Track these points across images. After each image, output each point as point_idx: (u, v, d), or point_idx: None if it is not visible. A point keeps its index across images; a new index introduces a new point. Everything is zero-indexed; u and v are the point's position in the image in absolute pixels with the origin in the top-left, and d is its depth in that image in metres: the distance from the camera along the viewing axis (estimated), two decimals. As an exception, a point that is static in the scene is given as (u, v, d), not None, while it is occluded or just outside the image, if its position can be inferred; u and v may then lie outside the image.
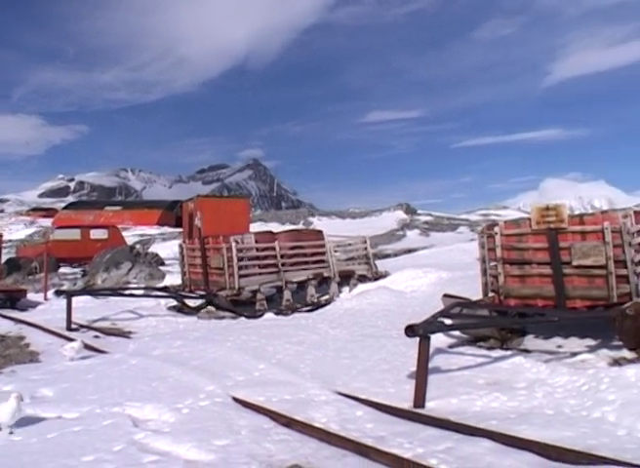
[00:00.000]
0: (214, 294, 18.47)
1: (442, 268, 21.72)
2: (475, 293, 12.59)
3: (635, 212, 11.35)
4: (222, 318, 17.18)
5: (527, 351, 10.97)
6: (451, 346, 11.47)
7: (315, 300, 19.78)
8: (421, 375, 8.21)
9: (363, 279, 22.07)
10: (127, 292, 20.83)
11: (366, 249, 23.29)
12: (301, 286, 20.28)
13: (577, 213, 12.35)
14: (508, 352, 10.73)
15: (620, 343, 10.42)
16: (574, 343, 11.23)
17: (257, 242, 19.53)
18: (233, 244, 18.21)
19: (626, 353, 10.16)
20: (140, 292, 20.68)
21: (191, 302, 19.48)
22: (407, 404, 8.03)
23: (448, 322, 10.35)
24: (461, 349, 11.21)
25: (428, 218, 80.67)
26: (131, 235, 60.08)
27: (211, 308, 18.15)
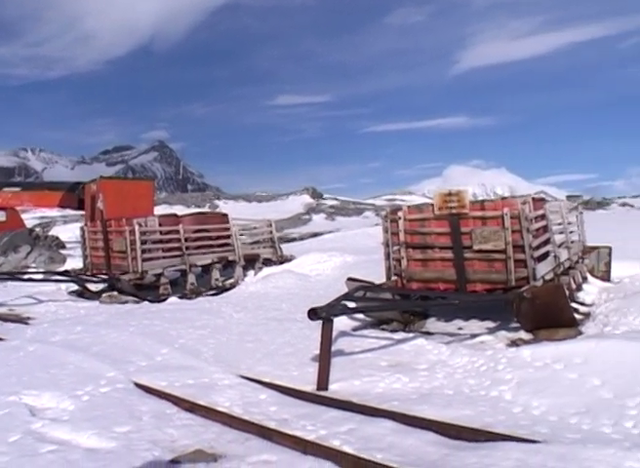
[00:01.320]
0: (116, 278, 18.13)
1: (347, 252, 21.93)
2: (379, 277, 12.75)
3: (534, 199, 11.74)
4: (125, 302, 16.83)
5: (429, 333, 11.20)
6: (355, 329, 11.58)
7: (220, 284, 19.67)
8: (325, 358, 8.27)
9: (268, 262, 22.11)
10: (25, 276, 20.20)
11: (271, 232, 23.30)
12: (206, 269, 20.16)
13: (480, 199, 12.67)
14: (411, 334, 10.92)
15: (518, 325, 10.77)
16: (474, 325, 11.55)
17: (160, 225, 19.25)
18: (136, 227, 17.89)
19: (523, 334, 10.51)
20: (40, 276, 20.14)
21: (93, 287, 19.03)
22: (310, 386, 8.07)
23: (351, 305, 10.44)
24: (365, 332, 11.33)
25: (335, 203, 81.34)
26: (30, 217, 58.02)
27: (113, 292, 17.76)
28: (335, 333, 10.00)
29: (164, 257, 18.78)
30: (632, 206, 38.16)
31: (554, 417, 6.82)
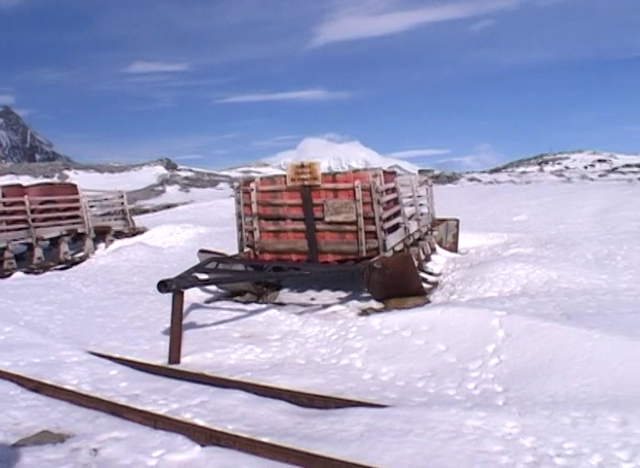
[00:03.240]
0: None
1: (201, 224, 21.79)
2: (233, 249, 12.74)
3: (385, 172, 12.03)
4: (-36, 279, 15.95)
5: (282, 304, 11.34)
6: (208, 301, 11.54)
7: (69, 258, 19.02)
8: (176, 331, 8.18)
9: (120, 235, 21.57)
10: None
11: (123, 204, 22.71)
12: (54, 242, 19.36)
13: (334, 172, 12.79)
14: (264, 305, 11.00)
15: (369, 295, 11.08)
16: (326, 296, 11.79)
17: (4, 196, 18.28)
18: (-24, 198, 16.93)
19: (374, 304, 10.85)
20: None
21: None
22: (162, 360, 8.00)
23: (203, 277, 10.36)
24: (218, 304, 11.31)
25: (189, 174, 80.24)
26: None
27: (-49, 268, 16.80)
28: (187, 306, 9.95)
29: (8, 230, 17.88)
30: (480, 180, 39.99)
31: (402, 382, 7.12)
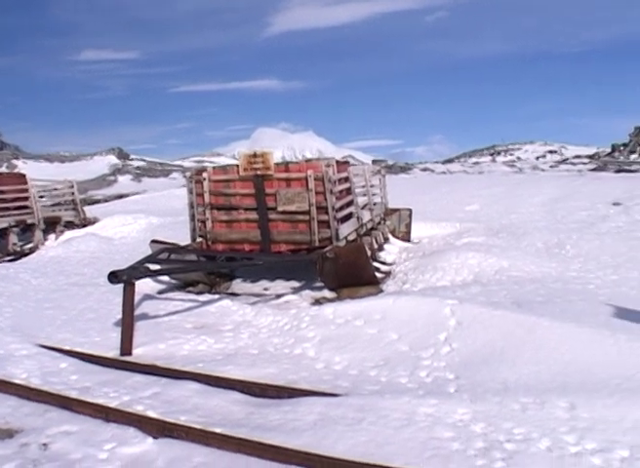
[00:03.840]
0: None
1: (153, 214, 21.58)
2: (186, 239, 12.64)
3: (337, 162, 12.05)
4: None
5: (235, 294, 11.32)
6: (160, 292, 11.44)
7: (18, 249, 18.67)
8: (128, 322, 8.10)
9: (70, 226, 21.20)
10: None
11: (73, 194, 22.33)
12: (2, 234, 18.97)
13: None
14: (216, 296, 10.97)
15: (322, 284, 11.10)
16: (279, 285, 11.79)
17: (-52, 187, 17.90)
18: None
19: (327, 293, 10.89)
20: None
21: None
22: (114, 352, 7.92)
23: (155, 267, 10.27)
24: (171, 295, 11.23)
25: (142, 164, 79.38)
26: None
27: None
28: (139, 297, 9.87)
29: (-47, 222, 17.52)
30: (433, 171, 40.30)
31: (355, 371, 7.17)
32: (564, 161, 47.41)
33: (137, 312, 8.96)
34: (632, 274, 11.32)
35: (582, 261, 12.49)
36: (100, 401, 6.03)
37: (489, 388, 6.21)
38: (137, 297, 9.00)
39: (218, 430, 5.22)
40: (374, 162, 51.58)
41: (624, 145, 48.37)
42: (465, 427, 5.23)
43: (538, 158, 65.95)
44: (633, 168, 33.87)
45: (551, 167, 39.92)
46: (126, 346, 7.91)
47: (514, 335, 7.32)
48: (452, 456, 4.77)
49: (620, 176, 28.83)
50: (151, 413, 5.73)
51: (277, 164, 11.42)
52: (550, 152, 77.57)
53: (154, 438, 5.14)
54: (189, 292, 11.51)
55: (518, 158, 67.14)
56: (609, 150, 51.49)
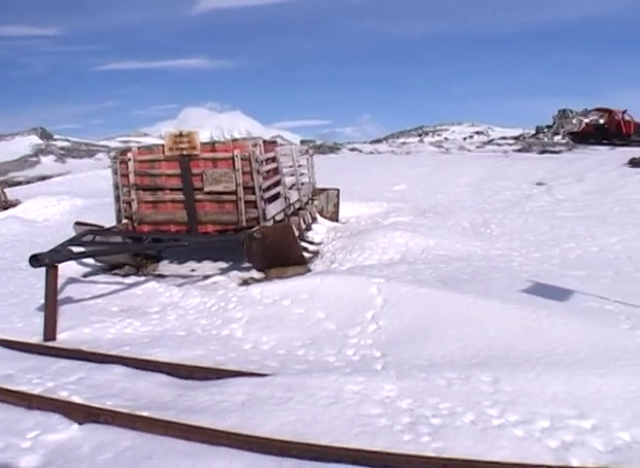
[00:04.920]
0: None
1: (78, 196, 21.14)
2: (111, 221, 12.40)
3: (265, 141, 11.98)
4: None
5: (162, 276, 11.20)
6: (85, 275, 11.21)
7: None
8: (51, 307, 7.90)
9: (-10, 208, 20.64)
10: None
11: (-7, 176, 21.74)
12: None
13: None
14: (143, 278, 10.83)
15: (250, 265, 11.07)
16: (207, 267, 11.71)
17: None
18: None
19: (255, 273, 10.87)
20: None
21: None
22: (37, 337, 7.71)
23: (79, 250, 10.05)
24: (96, 278, 11.02)
25: (66, 144, 77.53)
26: None
27: None
28: (63, 281, 9.67)
29: None
30: (361, 151, 40.46)
31: (283, 351, 7.19)
32: (490, 142, 48.24)
33: (61, 296, 8.77)
34: (554, 252, 11.64)
35: (507, 240, 12.78)
36: (23, 388, 5.89)
37: (415, 365, 6.31)
38: (60, 281, 8.78)
39: (144, 413, 5.18)
40: (302, 142, 51.52)
41: (548, 127, 49.54)
42: (392, 403, 5.31)
43: (465, 139, 66.88)
44: (556, 149, 34.69)
45: (478, 147, 40.53)
46: (50, 331, 7.73)
47: (440, 313, 7.44)
48: (379, 432, 4.85)
49: (544, 157, 29.50)
50: (76, 399, 5.64)
51: (203, 143, 11.27)
52: (477, 133, 78.85)
53: (79, 424, 5.06)
54: (115, 274, 11.31)
55: (445, 139, 67.99)
56: (533, 132, 52.65)
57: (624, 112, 42.90)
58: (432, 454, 4.51)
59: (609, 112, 43.44)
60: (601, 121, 43.77)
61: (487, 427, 4.88)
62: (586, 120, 44.85)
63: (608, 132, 42.13)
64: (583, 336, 6.48)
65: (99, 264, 11.84)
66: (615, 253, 11.32)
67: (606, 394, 5.25)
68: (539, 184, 20.59)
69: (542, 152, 33.08)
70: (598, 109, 45.22)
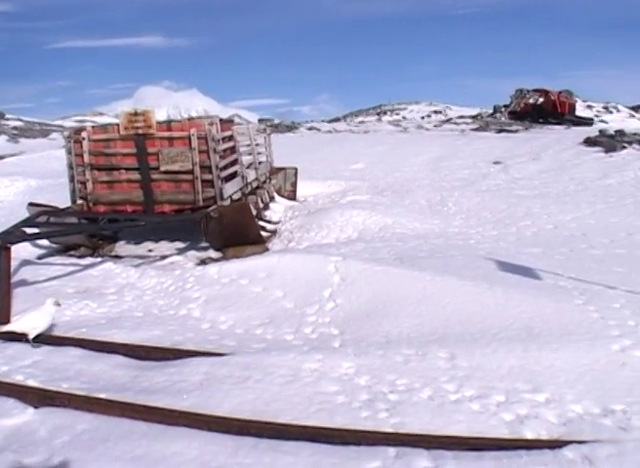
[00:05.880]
0: None
1: (31, 176, 20.73)
2: (66, 202, 12.20)
3: (221, 120, 11.87)
4: None
5: (118, 257, 11.09)
6: (40, 257, 11.03)
7: None
8: (5, 289, 7.72)
9: (-60, 190, 20.14)
10: None
11: (-57, 157, 21.24)
12: None
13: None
14: (99, 259, 10.71)
15: (207, 244, 11.01)
16: (164, 247, 11.63)
17: None
18: None
19: (213, 253, 10.83)
20: None
21: None
22: (-10, 321, 7.58)
23: (33, 231, 9.88)
24: (51, 259, 10.85)
25: (18, 124, 75.89)
26: None
27: None
28: (17, 263, 9.51)
29: None
30: (319, 130, 40.27)
31: (241, 330, 7.20)
32: (448, 121, 48.43)
33: (14, 279, 8.61)
34: (510, 229, 11.79)
35: (464, 218, 12.91)
36: (-24, 373, 5.80)
37: (372, 342, 6.37)
38: (14, 263, 8.65)
39: (102, 395, 5.14)
40: (260, 121, 51.16)
41: (506, 106, 50.03)
42: (350, 380, 5.36)
43: (423, 118, 67.01)
44: (513, 128, 35.06)
45: (435, 126, 40.69)
46: (3, 315, 7.57)
47: (397, 290, 7.50)
48: (337, 409, 4.89)
49: (501, 136, 29.80)
50: (32, 382, 5.58)
51: (159, 122, 11.12)
52: (435, 112, 78.98)
53: (35, 408, 5.00)
54: (71, 255, 11.14)
55: (404, 118, 68.02)
56: (491, 111, 53.06)
57: (560, 93, 45.08)
58: (390, 430, 4.56)
59: (546, 93, 45.44)
60: (539, 101, 45.45)
61: (444, 402, 4.96)
62: (525, 100, 46.41)
63: (544, 111, 44.11)
64: (538, 312, 6.58)
65: (53, 246, 11.65)
66: (570, 231, 11.51)
67: (559, 368, 5.36)
68: (495, 163, 20.81)
69: (500, 131, 33.37)
70: (536, 90, 47.22)
